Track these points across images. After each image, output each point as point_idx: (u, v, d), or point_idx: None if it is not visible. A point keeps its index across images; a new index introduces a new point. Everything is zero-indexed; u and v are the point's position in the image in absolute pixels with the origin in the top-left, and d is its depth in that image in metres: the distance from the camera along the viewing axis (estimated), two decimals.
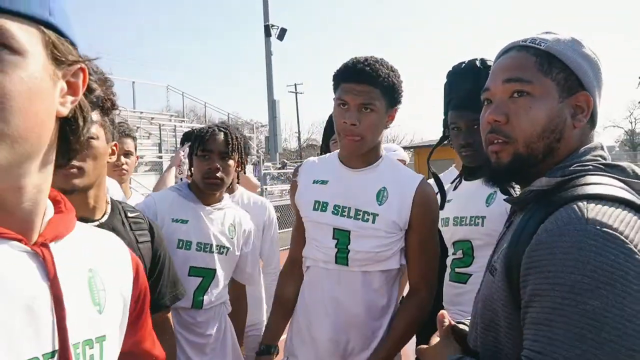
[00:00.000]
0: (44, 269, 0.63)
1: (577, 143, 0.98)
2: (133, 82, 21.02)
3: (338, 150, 1.80)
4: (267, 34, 16.28)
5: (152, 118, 20.56)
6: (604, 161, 0.95)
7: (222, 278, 2.05)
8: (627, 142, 54.67)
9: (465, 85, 1.84)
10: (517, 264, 0.88)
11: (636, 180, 0.91)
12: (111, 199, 1.55)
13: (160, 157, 15.20)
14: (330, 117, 2.55)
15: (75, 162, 1.32)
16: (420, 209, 1.66)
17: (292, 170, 1.97)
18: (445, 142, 2.04)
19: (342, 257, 1.67)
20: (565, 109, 0.96)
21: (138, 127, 18.07)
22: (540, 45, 0.97)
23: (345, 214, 1.68)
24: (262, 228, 2.61)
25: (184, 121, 20.63)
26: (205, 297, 1.99)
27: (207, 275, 1.99)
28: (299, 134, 42.12)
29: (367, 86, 1.58)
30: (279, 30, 16.31)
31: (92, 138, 1.35)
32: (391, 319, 1.71)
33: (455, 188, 2.05)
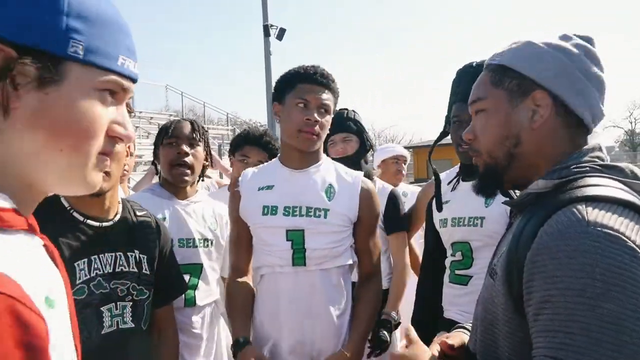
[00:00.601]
0: (51, 259, 0.67)
1: (548, 143, 0.98)
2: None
3: (276, 158, 1.86)
4: (266, 33, 16.26)
5: (151, 118, 20.55)
6: (601, 162, 0.94)
7: (210, 272, 2.01)
8: (627, 143, 54.78)
9: (475, 80, 1.83)
10: (517, 268, 0.87)
11: (635, 181, 0.90)
12: (121, 198, 1.57)
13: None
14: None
15: (112, 168, 1.37)
16: (367, 201, 1.77)
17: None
18: (444, 138, 2.03)
19: (299, 257, 1.67)
20: (521, 113, 0.98)
21: (137, 127, 18.07)
22: (494, 61, 1.04)
23: (297, 213, 1.70)
24: None
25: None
26: (197, 294, 1.94)
27: (195, 271, 1.94)
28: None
29: (325, 89, 1.72)
30: (278, 30, 16.31)
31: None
32: (351, 313, 1.75)
33: (453, 189, 2.04)
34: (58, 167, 0.62)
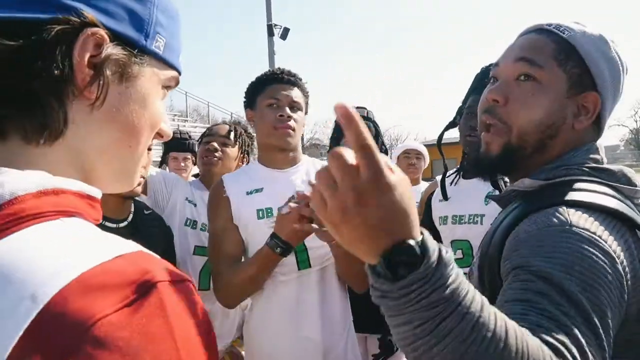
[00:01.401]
0: None
1: (572, 145, 0.91)
2: None
3: (254, 160, 1.87)
4: (270, 33, 16.27)
5: None
6: (593, 165, 0.89)
7: None
8: (632, 141, 54.48)
9: None
10: (489, 264, 0.85)
11: (626, 186, 0.86)
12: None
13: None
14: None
15: (143, 172, 1.39)
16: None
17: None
18: (452, 128, 2.04)
19: (303, 260, 1.66)
20: (569, 106, 0.90)
21: None
22: (564, 33, 0.91)
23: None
24: None
25: (187, 121, 20.70)
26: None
27: None
28: (302, 134, 42.09)
29: (293, 87, 1.76)
30: (282, 29, 16.32)
31: None
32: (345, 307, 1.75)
33: (452, 183, 2.07)
34: (120, 163, 0.60)
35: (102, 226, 1.40)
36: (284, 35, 16.35)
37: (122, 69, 0.55)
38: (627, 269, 0.75)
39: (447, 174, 2.12)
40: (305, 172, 1.80)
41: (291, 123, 1.71)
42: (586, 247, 0.72)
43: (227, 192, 1.74)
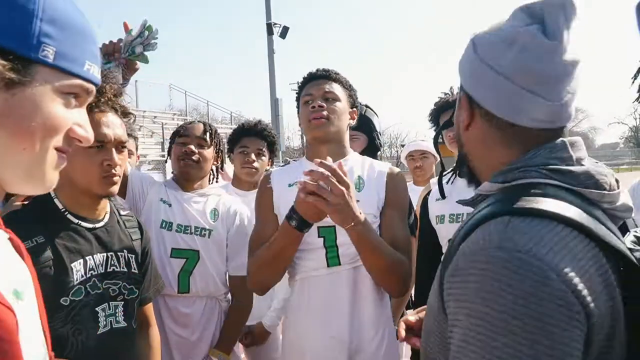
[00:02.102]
0: (17, 253, 0.70)
1: (533, 143, 0.86)
2: (135, 81, 21.05)
3: (304, 157, 1.89)
4: (270, 32, 16.26)
5: (155, 117, 20.63)
6: (553, 166, 0.82)
7: (209, 264, 2.04)
8: (631, 139, 54.49)
9: None
10: (440, 278, 0.84)
11: (589, 190, 0.80)
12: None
13: (163, 156, 15.23)
14: None
15: (117, 171, 1.40)
16: (393, 184, 1.76)
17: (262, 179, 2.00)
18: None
19: (332, 257, 1.67)
20: (461, 115, 0.94)
21: (141, 126, 18.13)
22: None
23: None
24: None
25: (186, 119, 20.67)
26: (192, 281, 2.00)
27: (191, 257, 2.01)
28: (302, 132, 42.03)
29: (327, 80, 1.80)
30: (281, 28, 16.29)
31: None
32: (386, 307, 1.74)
33: (449, 182, 2.08)
34: (20, 166, 0.64)
35: (77, 227, 1.35)
36: (283, 34, 16.33)
37: (3, 77, 0.59)
38: (587, 299, 0.68)
39: (444, 173, 2.13)
40: (351, 166, 1.76)
41: (324, 112, 1.73)
42: (512, 282, 0.69)
43: (271, 183, 1.80)
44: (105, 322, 1.38)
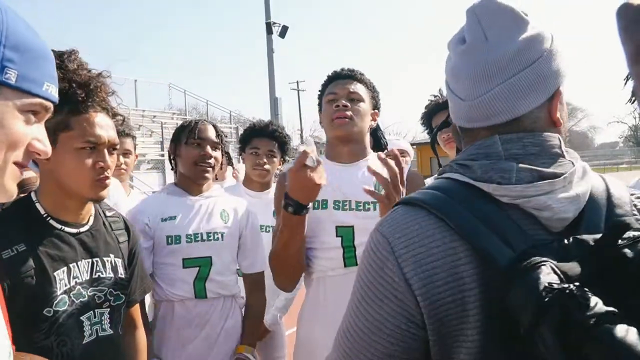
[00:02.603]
0: None
1: (473, 140, 0.88)
2: (135, 80, 21.06)
3: (323, 155, 1.87)
4: (269, 31, 16.26)
5: (154, 116, 20.59)
6: (460, 161, 0.85)
7: (223, 265, 2.04)
8: (631, 138, 54.56)
9: None
10: None
11: (482, 183, 0.79)
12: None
13: (162, 155, 15.23)
14: None
15: (109, 173, 1.36)
16: (414, 184, 1.74)
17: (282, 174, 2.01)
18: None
19: (349, 256, 1.67)
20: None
21: (140, 125, 18.11)
22: None
23: (347, 207, 1.70)
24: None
25: (186, 119, 20.61)
26: (208, 285, 1.99)
27: (204, 264, 1.99)
28: (301, 132, 42.12)
29: (352, 80, 1.80)
30: (280, 27, 16.30)
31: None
32: None
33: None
34: None
35: (60, 233, 1.32)
36: (282, 34, 16.33)
37: None
38: (415, 278, 0.75)
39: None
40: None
41: (348, 112, 1.73)
42: (365, 257, 0.83)
43: (287, 181, 1.78)
44: (90, 331, 1.33)
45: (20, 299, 1.18)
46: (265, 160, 2.60)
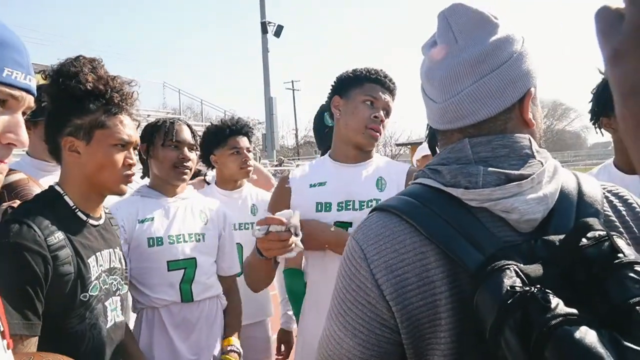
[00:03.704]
0: None
1: (447, 144, 0.89)
2: (132, 80, 20.95)
3: (327, 154, 1.89)
4: (264, 30, 16.26)
5: (149, 115, 20.47)
6: (432, 166, 0.87)
7: (207, 266, 2.03)
8: None
9: None
10: None
11: (449, 188, 0.80)
12: None
13: None
14: (321, 112, 2.57)
15: (133, 171, 1.47)
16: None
17: (282, 174, 2.02)
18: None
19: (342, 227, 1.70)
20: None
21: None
22: None
23: (350, 207, 1.73)
24: None
25: (181, 118, 20.59)
26: (194, 288, 1.97)
27: (189, 266, 1.97)
28: (296, 131, 42.06)
29: (390, 94, 1.80)
30: (275, 27, 16.29)
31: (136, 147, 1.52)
32: None
33: None
34: None
35: (87, 224, 1.41)
36: (277, 33, 16.32)
37: None
38: (377, 277, 0.78)
39: None
40: (374, 167, 1.81)
41: (381, 127, 1.76)
42: (341, 264, 0.86)
43: (289, 184, 1.81)
44: (111, 316, 1.43)
45: (62, 285, 1.26)
46: (249, 157, 2.57)
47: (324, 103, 2.77)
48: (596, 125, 2.07)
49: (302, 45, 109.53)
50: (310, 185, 1.78)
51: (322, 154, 2.21)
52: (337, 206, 1.73)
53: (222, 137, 2.54)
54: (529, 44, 0.87)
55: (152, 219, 1.95)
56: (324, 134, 2.65)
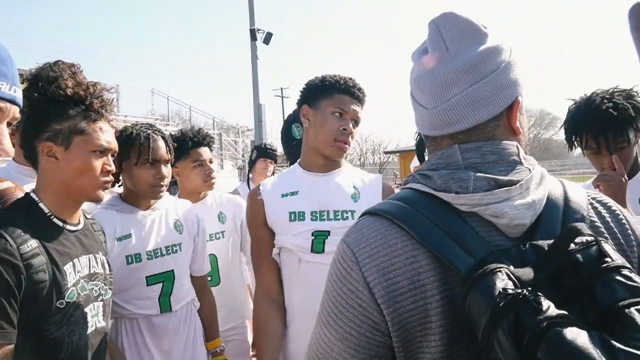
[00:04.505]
0: None
1: (438, 150, 0.90)
2: (117, 86, 20.85)
3: (296, 163, 1.89)
4: (253, 37, 16.26)
5: (137, 122, 20.39)
6: (423, 171, 0.87)
7: (182, 275, 2.03)
8: None
9: None
10: None
11: (440, 192, 0.81)
12: None
13: None
14: (288, 124, 2.58)
15: (111, 177, 1.46)
16: (387, 193, 1.78)
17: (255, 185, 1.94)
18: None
19: (319, 242, 1.69)
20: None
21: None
22: None
23: (325, 217, 1.73)
24: (241, 225, 2.58)
25: (169, 125, 20.50)
26: (172, 299, 1.97)
27: (167, 279, 1.97)
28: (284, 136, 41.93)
29: (359, 103, 1.79)
30: (264, 34, 16.31)
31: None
32: None
33: None
34: None
35: (63, 230, 1.39)
36: (266, 40, 16.35)
37: None
38: (373, 283, 0.78)
39: None
40: (346, 177, 1.82)
41: (350, 138, 1.76)
42: (331, 267, 0.87)
43: (261, 195, 1.80)
44: (92, 322, 1.42)
45: (37, 292, 1.24)
46: (211, 169, 2.48)
47: (291, 114, 2.79)
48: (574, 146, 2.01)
49: (291, 52, 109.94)
50: (282, 195, 1.77)
51: (290, 165, 2.20)
52: (310, 215, 1.73)
53: (184, 149, 2.42)
54: (516, 54, 0.89)
55: (130, 235, 1.91)
56: (292, 146, 2.64)
